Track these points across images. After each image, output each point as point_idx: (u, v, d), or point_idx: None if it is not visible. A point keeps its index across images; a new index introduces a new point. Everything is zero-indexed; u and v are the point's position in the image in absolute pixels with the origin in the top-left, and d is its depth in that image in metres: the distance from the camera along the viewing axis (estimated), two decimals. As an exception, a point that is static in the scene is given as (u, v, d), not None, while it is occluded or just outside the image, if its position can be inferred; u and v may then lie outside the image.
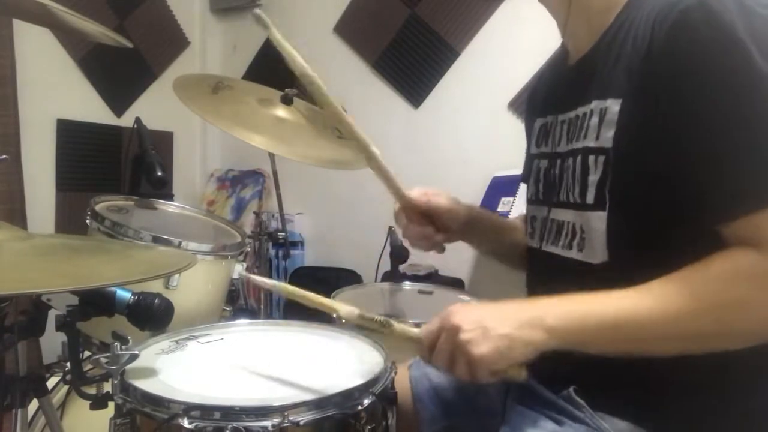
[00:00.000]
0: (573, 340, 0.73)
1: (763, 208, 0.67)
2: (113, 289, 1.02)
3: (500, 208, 2.25)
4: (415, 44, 2.70)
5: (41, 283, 0.77)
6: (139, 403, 0.77)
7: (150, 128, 1.70)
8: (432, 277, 2.33)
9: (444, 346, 0.76)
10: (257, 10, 0.83)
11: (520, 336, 0.72)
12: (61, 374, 1.35)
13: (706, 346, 0.70)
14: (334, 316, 0.86)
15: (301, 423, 0.72)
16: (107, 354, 0.82)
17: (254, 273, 2.51)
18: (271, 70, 3.07)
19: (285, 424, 0.72)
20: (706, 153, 0.70)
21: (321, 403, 0.75)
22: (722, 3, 0.68)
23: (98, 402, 1.00)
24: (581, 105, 0.85)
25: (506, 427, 0.87)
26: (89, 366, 1.13)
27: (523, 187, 1.15)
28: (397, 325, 0.83)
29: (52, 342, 1.27)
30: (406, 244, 1.08)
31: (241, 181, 3.17)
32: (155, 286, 1.21)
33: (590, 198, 0.81)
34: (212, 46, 3.31)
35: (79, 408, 1.39)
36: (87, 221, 1.37)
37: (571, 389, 0.83)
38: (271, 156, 1.72)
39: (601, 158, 0.79)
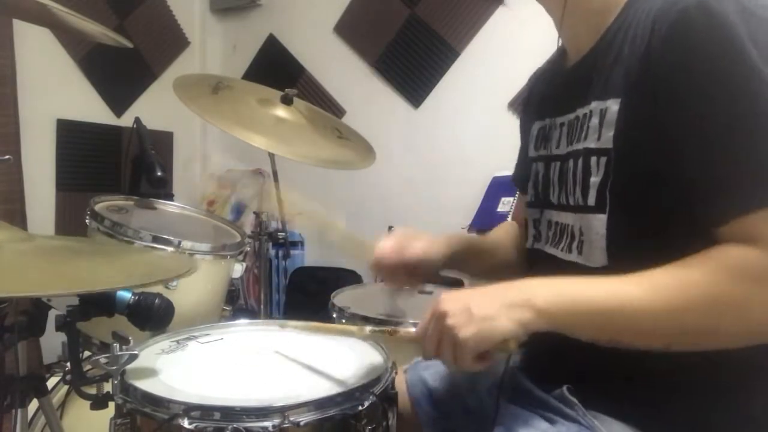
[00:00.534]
0: (561, 322, 0.72)
1: (758, 207, 0.66)
2: (113, 289, 1.02)
3: (500, 208, 2.25)
4: (415, 44, 2.70)
5: (41, 285, 0.77)
6: (140, 404, 0.77)
7: (150, 128, 1.71)
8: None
9: (432, 333, 0.76)
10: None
11: (505, 316, 0.72)
12: (61, 374, 1.35)
13: (694, 341, 0.69)
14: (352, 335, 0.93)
15: (302, 423, 0.72)
16: (107, 354, 0.82)
17: (254, 273, 2.51)
18: (271, 70, 3.11)
19: (285, 425, 0.72)
20: (702, 153, 0.70)
21: (321, 403, 0.75)
22: (721, 3, 0.68)
23: (98, 402, 1.01)
24: (581, 106, 0.84)
25: (499, 427, 0.87)
26: (89, 366, 1.13)
27: (523, 188, 1.14)
28: (402, 330, 0.86)
29: (52, 342, 1.27)
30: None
31: (241, 181, 3.17)
32: (155, 287, 1.21)
33: (591, 200, 0.80)
34: (212, 46, 3.31)
35: (79, 408, 1.39)
36: (87, 221, 1.37)
37: (564, 388, 0.83)
38: (271, 156, 1.72)
39: (603, 159, 0.79)
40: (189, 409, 0.73)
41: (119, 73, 2.84)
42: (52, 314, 1.02)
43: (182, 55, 3.16)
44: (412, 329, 0.83)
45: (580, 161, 0.83)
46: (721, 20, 0.67)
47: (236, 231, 1.62)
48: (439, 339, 0.75)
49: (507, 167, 2.34)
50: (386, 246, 1.02)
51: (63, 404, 1.40)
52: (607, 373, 0.77)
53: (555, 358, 0.83)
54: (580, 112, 0.85)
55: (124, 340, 0.84)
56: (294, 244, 2.89)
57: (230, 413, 0.72)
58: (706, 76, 0.68)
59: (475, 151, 2.54)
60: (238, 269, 1.53)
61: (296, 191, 0.86)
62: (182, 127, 3.12)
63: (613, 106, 0.77)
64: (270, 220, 1.95)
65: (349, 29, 2.90)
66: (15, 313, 1.02)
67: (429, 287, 1.68)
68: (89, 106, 2.77)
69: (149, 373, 0.86)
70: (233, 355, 0.97)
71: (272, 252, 2.69)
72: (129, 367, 0.83)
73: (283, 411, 0.72)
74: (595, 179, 0.80)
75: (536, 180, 0.98)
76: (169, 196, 1.80)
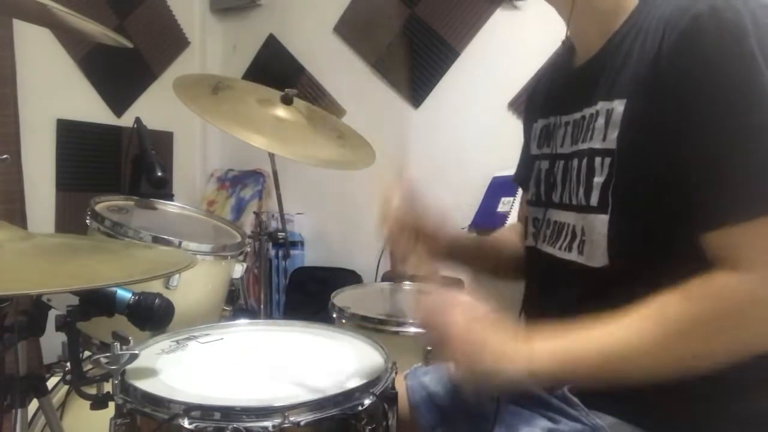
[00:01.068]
0: (562, 381, 0.78)
1: (742, 220, 0.67)
2: (113, 289, 1.02)
3: (500, 208, 2.25)
4: (415, 44, 2.70)
5: (41, 284, 0.77)
6: (140, 404, 0.77)
7: (150, 128, 1.71)
8: (432, 277, 2.33)
9: (434, 341, 0.79)
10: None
11: (501, 377, 0.74)
12: (61, 374, 1.34)
13: (692, 366, 0.70)
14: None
15: (302, 423, 0.72)
16: (107, 354, 0.82)
17: (254, 273, 2.52)
18: (271, 70, 3.11)
19: (285, 425, 0.72)
20: (702, 161, 0.70)
21: (321, 403, 0.75)
22: (734, 11, 0.68)
23: (98, 402, 1.00)
24: (587, 106, 0.85)
25: (500, 426, 0.87)
26: (89, 366, 1.13)
27: (523, 188, 1.14)
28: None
29: (52, 342, 1.27)
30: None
31: (241, 181, 3.17)
32: (155, 286, 1.21)
33: (594, 200, 0.80)
34: (212, 46, 3.31)
35: (79, 408, 1.39)
36: (87, 221, 1.37)
37: (565, 388, 0.83)
38: (271, 156, 1.72)
39: (608, 160, 0.79)
40: (189, 409, 0.73)
41: (119, 73, 2.84)
42: (52, 314, 1.02)
43: (182, 55, 3.16)
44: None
45: (584, 161, 0.83)
46: (732, 29, 0.68)
47: (236, 231, 1.62)
48: (437, 347, 0.79)
49: (507, 167, 2.34)
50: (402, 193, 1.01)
51: (63, 404, 1.40)
52: None
53: None
54: (587, 112, 0.85)
55: (124, 340, 0.84)
56: (294, 244, 2.89)
57: (230, 413, 0.72)
58: (715, 84, 0.68)
59: (475, 151, 2.54)
60: (238, 269, 1.53)
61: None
62: (182, 127, 3.12)
63: (619, 107, 0.77)
64: (270, 220, 1.95)
65: (348, 29, 2.90)
66: (15, 313, 1.02)
67: (429, 287, 1.68)
68: (89, 106, 2.77)
69: (149, 373, 0.86)
70: (233, 355, 0.97)
71: (272, 252, 2.69)
72: (129, 367, 0.84)
73: (283, 411, 0.72)
74: (598, 179, 0.80)
75: (538, 178, 0.98)
76: (169, 196, 1.81)
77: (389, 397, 0.83)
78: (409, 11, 2.71)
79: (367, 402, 0.78)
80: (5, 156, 1.97)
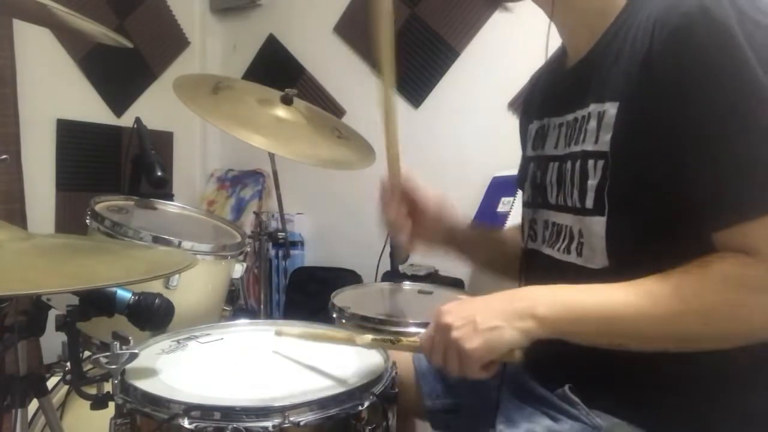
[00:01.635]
0: (562, 329, 0.75)
1: (754, 217, 0.67)
2: (113, 289, 1.02)
3: (500, 208, 2.25)
4: (415, 44, 2.70)
5: (42, 283, 0.77)
6: (140, 403, 0.77)
7: (150, 128, 1.70)
8: (432, 277, 2.33)
9: (437, 345, 0.78)
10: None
11: (509, 326, 0.74)
12: (61, 374, 1.34)
13: (693, 346, 0.71)
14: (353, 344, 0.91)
15: (302, 423, 0.72)
16: (107, 354, 0.82)
17: (254, 273, 2.52)
18: (271, 70, 3.11)
19: (285, 425, 0.72)
20: (700, 160, 0.70)
21: (321, 403, 0.75)
22: (723, 10, 0.68)
23: (98, 402, 1.00)
24: (579, 108, 0.84)
25: (502, 418, 0.87)
26: (89, 366, 1.13)
27: (522, 188, 1.14)
28: (405, 340, 0.87)
29: (52, 342, 1.27)
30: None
31: (241, 181, 3.17)
32: (155, 286, 1.21)
33: (589, 203, 0.80)
34: (212, 46, 3.31)
35: (79, 408, 1.39)
36: (87, 221, 1.37)
37: (566, 387, 0.83)
38: (271, 156, 1.72)
39: (600, 162, 0.79)
40: (189, 409, 0.73)
41: (119, 73, 2.84)
42: (52, 314, 1.02)
43: (182, 55, 3.16)
44: (416, 338, 0.84)
45: (577, 164, 0.83)
46: (722, 26, 0.68)
47: (236, 231, 1.62)
48: (444, 350, 0.77)
49: (507, 167, 2.35)
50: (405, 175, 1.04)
51: (63, 404, 1.39)
52: (609, 373, 0.77)
53: (557, 358, 0.84)
54: (579, 113, 0.85)
55: (124, 340, 0.84)
56: (294, 244, 2.89)
57: (230, 413, 0.72)
58: (705, 83, 0.69)
59: (475, 151, 2.54)
60: (238, 269, 1.53)
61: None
62: (182, 127, 3.12)
63: (611, 109, 0.77)
64: (270, 220, 1.95)
65: (348, 29, 2.90)
66: (15, 313, 1.02)
67: (429, 287, 1.68)
68: (89, 106, 2.77)
69: (149, 373, 0.86)
70: (233, 355, 0.97)
71: (272, 252, 2.69)
72: (129, 367, 0.84)
73: (283, 411, 0.72)
74: (592, 182, 0.80)
75: (533, 180, 0.98)
76: (169, 196, 1.81)
77: (389, 397, 0.83)
78: (409, 11, 2.71)
79: (367, 402, 0.78)
80: (5, 156, 1.98)
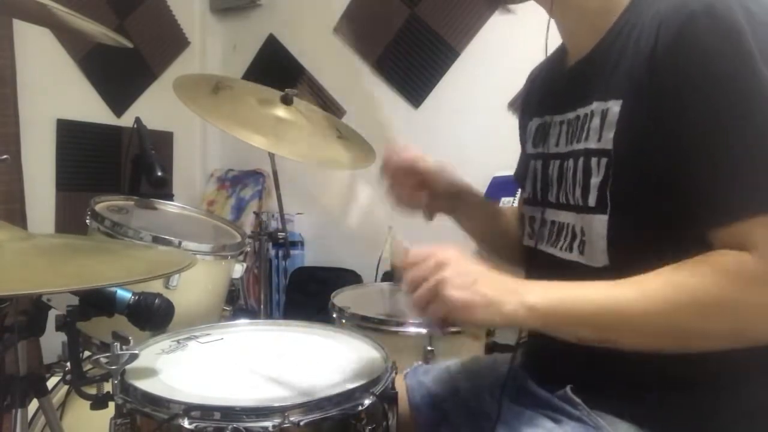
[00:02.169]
0: (550, 321, 0.73)
1: (752, 214, 0.67)
2: (113, 289, 1.02)
3: (500, 208, 2.25)
4: (415, 44, 2.70)
5: (41, 284, 0.77)
6: (140, 403, 0.77)
7: (150, 128, 1.70)
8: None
9: (423, 270, 0.74)
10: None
11: (498, 302, 0.72)
12: (61, 374, 1.34)
13: (687, 344, 0.70)
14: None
15: (302, 423, 0.72)
16: (107, 354, 0.82)
17: (254, 273, 2.52)
18: (271, 70, 3.11)
19: (285, 425, 0.72)
20: (703, 157, 0.70)
21: (321, 403, 0.75)
22: (729, 9, 0.68)
23: (98, 402, 1.00)
24: (582, 106, 0.84)
25: (503, 426, 0.87)
26: (89, 366, 1.13)
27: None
28: (397, 241, 0.84)
29: (52, 342, 1.27)
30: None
31: (241, 181, 3.17)
32: (155, 286, 1.21)
33: (592, 200, 0.80)
34: (212, 46, 3.31)
35: (79, 408, 1.39)
36: (87, 221, 1.37)
37: (567, 388, 0.83)
38: (271, 156, 1.72)
39: (604, 160, 0.78)
40: (189, 409, 0.73)
41: (119, 73, 2.84)
42: (52, 314, 1.02)
43: (182, 55, 3.16)
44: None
45: (580, 161, 0.83)
46: (728, 26, 0.67)
47: (236, 231, 1.62)
48: (425, 278, 0.73)
49: (507, 167, 2.34)
50: (401, 148, 1.04)
51: (63, 404, 1.39)
52: (610, 373, 0.77)
53: (557, 359, 0.83)
54: (581, 111, 0.84)
55: (124, 340, 0.84)
56: (294, 244, 2.89)
57: (230, 413, 0.72)
58: (711, 82, 0.68)
59: (475, 151, 2.54)
60: (238, 269, 1.53)
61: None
62: (182, 127, 3.12)
63: (615, 107, 0.77)
64: (270, 220, 1.95)
65: (349, 29, 2.90)
66: (15, 313, 1.02)
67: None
68: (89, 106, 2.77)
69: (149, 373, 0.86)
70: (233, 355, 0.97)
71: (272, 252, 2.69)
72: (129, 367, 0.84)
73: (283, 411, 0.72)
74: (595, 180, 0.80)
75: (534, 177, 0.98)
76: (169, 196, 1.81)
77: (389, 397, 0.83)
78: (409, 11, 2.71)
79: (367, 402, 0.78)
80: (5, 156, 1.98)
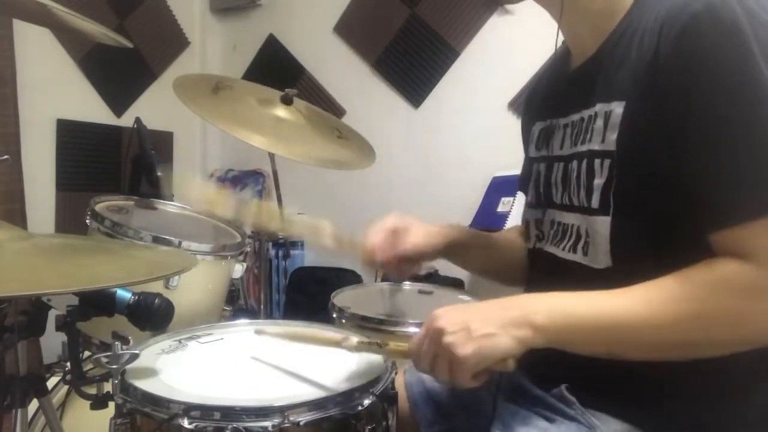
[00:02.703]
0: (559, 339, 0.73)
1: (750, 219, 0.67)
2: (113, 289, 1.02)
3: (500, 208, 2.25)
4: (415, 44, 2.70)
5: (42, 284, 0.77)
6: (140, 403, 0.77)
7: (150, 128, 1.71)
8: (432, 277, 2.33)
9: (428, 350, 0.76)
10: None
11: (505, 333, 0.72)
12: (61, 374, 1.35)
13: (691, 353, 0.71)
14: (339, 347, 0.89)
15: (302, 423, 0.72)
16: (107, 354, 0.82)
17: (254, 273, 2.52)
18: (271, 70, 3.11)
19: (285, 425, 0.72)
20: (704, 159, 0.70)
21: (321, 403, 0.75)
22: (731, 10, 0.68)
23: (98, 402, 1.00)
24: (585, 108, 0.84)
25: (498, 424, 0.87)
26: (89, 366, 1.13)
27: (523, 187, 1.14)
28: (393, 344, 0.84)
29: (52, 342, 1.27)
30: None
31: (241, 181, 3.17)
32: (155, 286, 1.21)
33: (595, 202, 0.80)
34: (212, 46, 3.31)
35: (79, 408, 1.39)
36: (87, 221, 1.37)
37: (562, 387, 0.83)
38: (271, 156, 1.72)
39: (607, 162, 0.79)
40: (189, 409, 0.73)
41: (119, 73, 2.84)
42: (52, 314, 1.02)
43: (182, 55, 3.16)
44: (410, 329, 0.83)
45: (584, 163, 0.83)
46: (730, 27, 0.67)
47: (236, 231, 1.62)
48: (434, 356, 0.75)
49: (507, 167, 2.35)
50: (376, 242, 1.02)
51: (63, 404, 1.40)
52: (605, 373, 0.77)
53: (553, 358, 0.83)
54: (585, 113, 0.85)
55: (124, 340, 0.84)
56: (294, 244, 2.89)
57: (230, 413, 0.72)
58: (714, 84, 0.68)
59: (475, 151, 2.54)
60: (238, 269, 1.53)
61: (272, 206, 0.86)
62: (182, 127, 3.12)
63: (618, 108, 0.77)
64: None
65: (348, 29, 2.90)
66: (15, 313, 1.02)
67: (429, 287, 1.68)
68: (89, 106, 2.77)
69: (149, 372, 0.86)
70: (233, 355, 0.97)
71: (272, 252, 2.69)
72: (129, 367, 0.84)
73: (283, 411, 0.72)
74: (598, 181, 0.80)
75: (538, 180, 0.98)
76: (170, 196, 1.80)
77: (389, 397, 0.83)
78: (409, 11, 2.71)
79: (366, 402, 0.78)
80: (5, 156, 1.98)
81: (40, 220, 2.51)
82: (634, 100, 0.75)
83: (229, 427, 0.71)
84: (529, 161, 1.04)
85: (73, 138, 2.69)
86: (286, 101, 1.69)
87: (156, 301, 1.03)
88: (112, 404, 0.85)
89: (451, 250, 1.07)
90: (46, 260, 0.86)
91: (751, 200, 0.67)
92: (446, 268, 2.41)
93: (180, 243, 1.33)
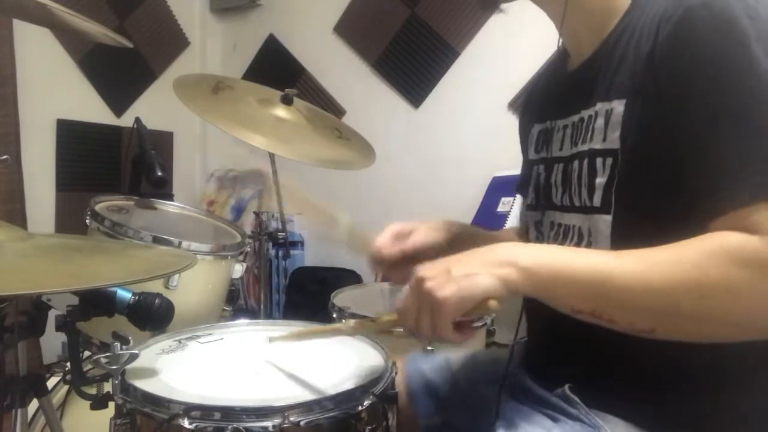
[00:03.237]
0: (544, 286, 0.69)
1: (753, 201, 0.65)
2: (114, 289, 1.02)
3: (500, 208, 2.25)
4: (415, 44, 2.70)
5: (42, 284, 0.77)
6: (140, 403, 0.77)
7: (150, 128, 1.70)
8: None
9: (411, 303, 0.72)
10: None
11: (487, 272, 0.68)
12: (61, 374, 1.35)
13: (682, 326, 0.67)
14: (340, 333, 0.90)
15: (302, 423, 0.72)
16: (107, 354, 0.82)
17: (254, 273, 2.52)
18: (271, 70, 3.11)
19: (285, 425, 0.72)
20: (706, 149, 0.69)
21: (321, 403, 0.75)
22: (726, 2, 0.68)
23: (98, 402, 1.00)
24: (585, 108, 0.84)
25: (502, 422, 0.87)
26: (89, 366, 1.13)
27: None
28: (384, 316, 0.82)
29: (52, 342, 1.28)
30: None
31: (241, 181, 3.17)
32: (155, 286, 1.21)
33: (597, 201, 0.80)
34: (212, 46, 3.31)
35: (79, 408, 1.39)
36: (87, 221, 1.37)
37: (566, 387, 0.83)
38: (271, 156, 1.72)
39: (609, 160, 0.79)
40: (189, 409, 0.73)
41: (119, 73, 2.84)
42: (52, 314, 1.02)
43: (182, 55, 3.16)
44: (395, 315, 0.79)
45: (585, 162, 0.83)
46: (726, 18, 0.68)
47: (236, 231, 1.62)
48: (418, 309, 0.71)
49: (507, 167, 2.34)
50: (383, 240, 1.01)
51: (63, 404, 1.39)
52: (609, 373, 0.77)
53: (556, 358, 0.83)
54: (585, 114, 0.85)
55: (124, 340, 0.84)
56: (294, 244, 2.89)
57: (230, 413, 0.72)
58: (711, 75, 0.68)
59: (475, 151, 2.54)
60: (238, 269, 1.53)
61: (297, 186, 0.86)
62: (182, 127, 3.12)
63: (619, 107, 0.77)
64: (270, 220, 1.95)
65: (348, 29, 2.90)
66: (15, 313, 1.02)
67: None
68: (89, 106, 2.77)
69: (149, 373, 0.86)
70: (233, 355, 0.97)
71: (272, 252, 2.69)
72: (129, 367, 0.83)
73: (283, 411, 0.72)
74: (600, 180, 0.80)
75: (537, 182, 0.97)
76: (169, 196, 1.81)
77: (389, 397, 0.83)
78: (409, 11, 2.71)
79: (366, 402, 0.78)
80: (5, 156, 1.98)
81: (40, 220, 2.51)
82: (635, 97, 0.75)
83: (230, 427, 0.71)
84: (528, 163, 1.03)
85: (73, 138, 2.70)
86: (286, 101, 1.69)
87: (156, 301, 1.04)
88: (112, 404, 0.85)
89: (454, 244, 1.07)
90: (46, 260, 0.86)
91: (752, 184, 0.66)
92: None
93: (180, 243, 1.33)
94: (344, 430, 0.77)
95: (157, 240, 1.30)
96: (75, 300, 0.99)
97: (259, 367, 0.91)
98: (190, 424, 0.72)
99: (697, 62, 0.69)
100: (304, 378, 0.86)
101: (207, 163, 3.36)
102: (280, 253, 2.76)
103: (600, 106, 0.81)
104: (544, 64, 1.07)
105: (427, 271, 0.72)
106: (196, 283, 1.38)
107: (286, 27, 3.11)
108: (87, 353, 1.29)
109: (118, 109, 2.87)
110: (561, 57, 0.98)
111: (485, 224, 2.19)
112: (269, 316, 2.11)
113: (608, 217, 0.79)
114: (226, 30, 3.32)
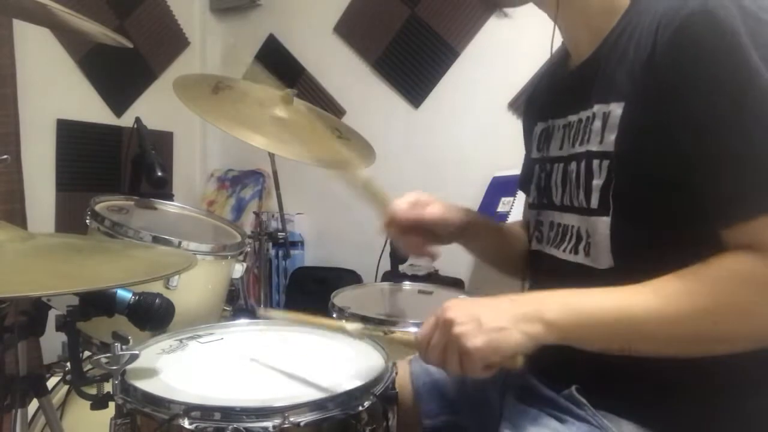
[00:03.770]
0: (571, 335, 0.73)
1: (763, 213, 0.67)
2: (114, 289, 1.02)
3: (500, 208, 2.25)
4: (415, 44, 2.70)
5: (42, 284, 0.77)
6: (140, 404, 0.77)
7: (150, 128, 1.70)
8: (432, 277, 2.33)
9: (437, 341, 0.76)
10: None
11: (515, 329, 0.72)
12: (61, 374, 1.35)
13: (704, 349, 0.70)
14: (343, 331, 0.92)
15: (302, 424, 0.72)
16: (108, 354, 0.82)
17: (254, 273, 2.52)
18: (271, 70, 3.11)
19: (285, 425, 0.72)
20: (707, 158, 0.70)
21: (322, 403, 0.75)
22: (726, 9, 0.68)
23: (98, 402, 1.01)
24: (583, 109, 0.84)
25: (507, 423, 0.87)
26: (89, 366, 1.13)
27: (523, 188, 1.14)
28: (399, 332, 0.85)
29: (52, 342, 1.28)
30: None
31: (241, 181, 3.17)
32: (156, 287, 1.21)
33: (594, 202, 0.80)
34: (212, 46, 3.31)
35: (79, 408, 1.39)
36: (87, 221, 1.37)
37: (573, 388, 0.83)
38: (271, 156, 1.72)
39: (605, 162, 0.79)
40: (189, 409, 0.73)
41: (119, 73, 2.84)
42: (52, 314, 1.02)
43: (182, 55, 3.16)
44: (411, 330, 0.83)
45: (582, 164, 0.83)
46: (725, 26, 0.68)
47: (236, 231, 1.62)
48: (444, 347, 0.75)
49: (507, 167, 2.35)
50: (402, 205, 1.01)
51: (63, 404, 1.39)
52: (616, 374, 0.77)
53: (563, 359, 0.83)
54: (583, 114, 0.85)
55: (124, 340, 0.84)
56: (294, 244, 2.89)
57: (230, 413, 0.72)
58: (710, 83, 0.69)
59: (475, 151, 2.54)
60: (238, 269, 1.53)
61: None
62: (182, 127, 3.12)
63: (616, 109, 0.77)
64: (270, 220, 1.95)
65: (348, 29, 2.90)
66: (15, 313, 1.02)
67: (429, 287, 1.68)
68: (89, 106, 2.77)
69: (149, 373, 0.86)
70: (233, 355, 0.97)
71: (272, 252, 2.69)
72: (129, 367, 0.83)
73: (283, 411, 0.72)
74: (597, 182, 0.80)
75: (539, 181, 0.98)
76: (169, 196, 1.80)
77: (389, 397, 0.83)
78: (409, 11, 2.71)
79: (367, 402, 0.78)
80: (5, 156, 1.97)
81: (40, 220, 2.51)
82: (632, 100, 0.76)
83: (230, 427, 0.70)
84: (530, 162, 1.03)
85: (73, 138, 2.69)
86: (286, 101, 1.68)
87: (156, 301, 1.04)
88: (112, 404, 0.85)
89: (467, 231, 1.07)
90: (46, 260, 0.86)
91: (757, 196, 0.67)
92: (446, 268, 2.41)
93: (180, 243, 1.33)
94: (344, 431, 0.77)
95: (157, 240, 1.30)
96: (75, 300, 0.99)
97: (260, 368, 0.91)
98: (191, 424, 0.72)
99: (697, 71, 0.69)
100: (305, 378, 0.86)
101: (207, 163, 3.36)
102: (280, 253, 2.76)
103: (597, 108, 0.81)
104: (545, 63, 1.07)
105: (455, 313, 0.75)
106: (196, 283, 1.38)
107: (286, 27, 3.11)
108: (87, 353, 1.29)
109: (118, 109, 2.87)
110: (563, 55, 0.98)
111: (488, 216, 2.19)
112: (269, 316, 2.10)
113: (607, 219, 0.79)
114: (226, 30, 3.32)
